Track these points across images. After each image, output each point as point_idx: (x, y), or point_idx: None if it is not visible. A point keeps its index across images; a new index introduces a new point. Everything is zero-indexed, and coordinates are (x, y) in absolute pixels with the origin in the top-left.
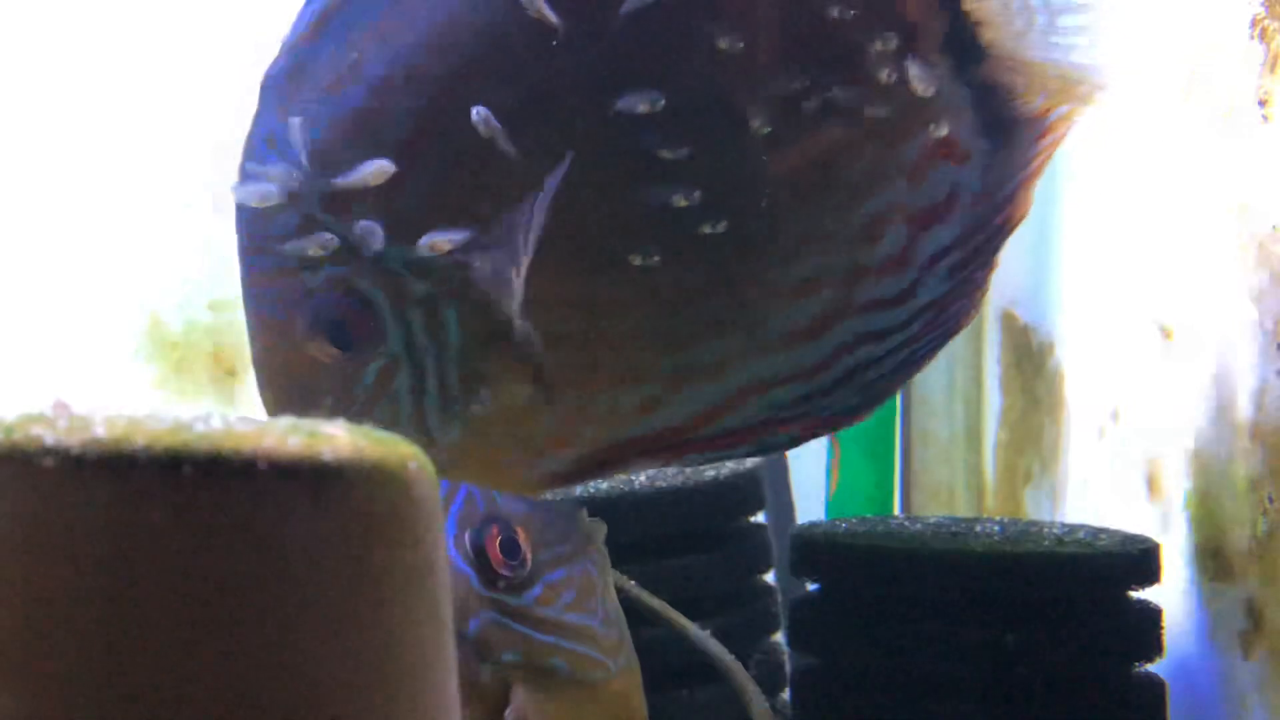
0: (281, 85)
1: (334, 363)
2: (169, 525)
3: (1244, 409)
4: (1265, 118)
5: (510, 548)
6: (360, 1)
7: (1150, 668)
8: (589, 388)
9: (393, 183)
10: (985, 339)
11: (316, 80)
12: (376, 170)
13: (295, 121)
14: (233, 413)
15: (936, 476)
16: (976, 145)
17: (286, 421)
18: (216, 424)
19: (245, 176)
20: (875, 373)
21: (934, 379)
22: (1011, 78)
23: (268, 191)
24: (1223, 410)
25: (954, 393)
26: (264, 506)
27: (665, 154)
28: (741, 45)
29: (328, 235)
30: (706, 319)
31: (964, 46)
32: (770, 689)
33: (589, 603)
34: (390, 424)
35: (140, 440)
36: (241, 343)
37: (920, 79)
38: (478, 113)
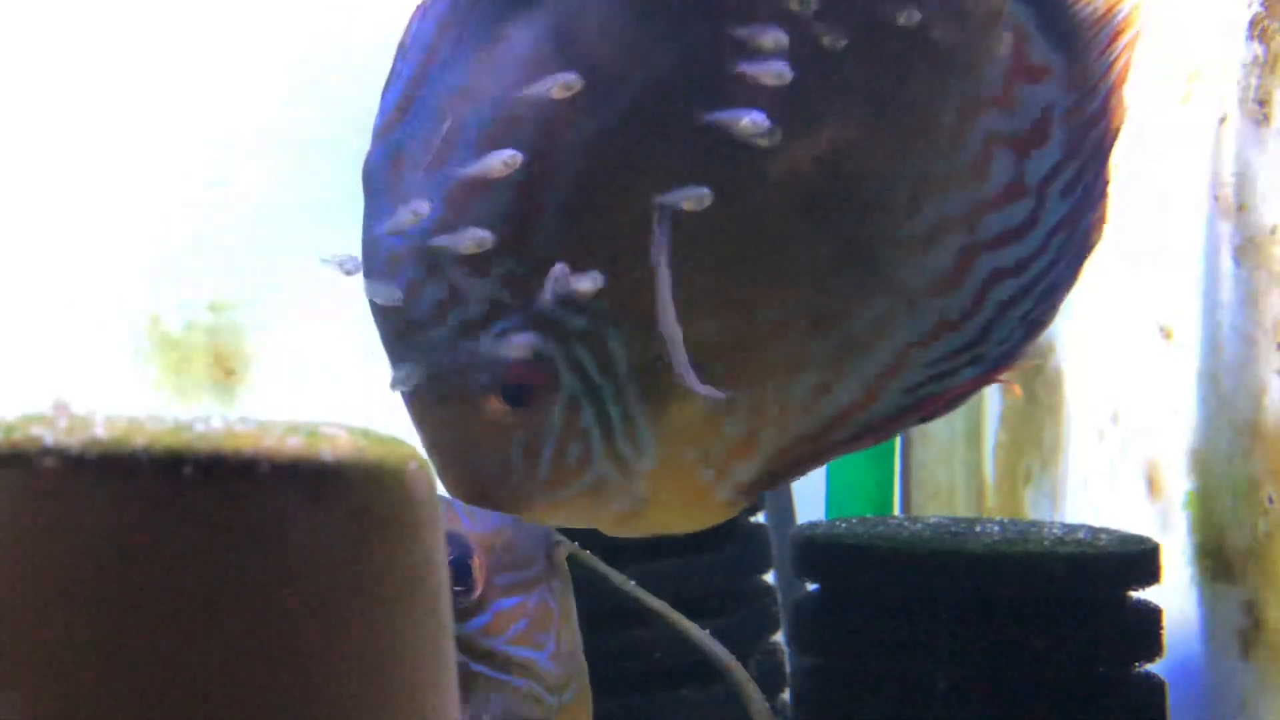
0: (385, 173)
1: (519, 421)
2: (169, 525)
3: (1244, 409)
4: (1265, 118)
5: (458, 571)
6: (440, 71)
7: (1150, 668)
8: (758, 388)
9: (524, 231)
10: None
11: (416, 160)
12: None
13: (411, 205)
14: (233, 413)
15: (936, 476)
16: (1052, 61)
17: (286, 421)
18: (216, 424)
19: (378, 273)
20: (1024, 306)
21: None
22: None
23: (393, 293)
24: (1223, 410)
25: None
26: (264, 506)
27: (771, 137)
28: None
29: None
30: (850, 289)
31: None
32: (770, 689)
33: (540, 635)
34: (586, 463)
35: (140, 440)
36: (242, 343)
37: None
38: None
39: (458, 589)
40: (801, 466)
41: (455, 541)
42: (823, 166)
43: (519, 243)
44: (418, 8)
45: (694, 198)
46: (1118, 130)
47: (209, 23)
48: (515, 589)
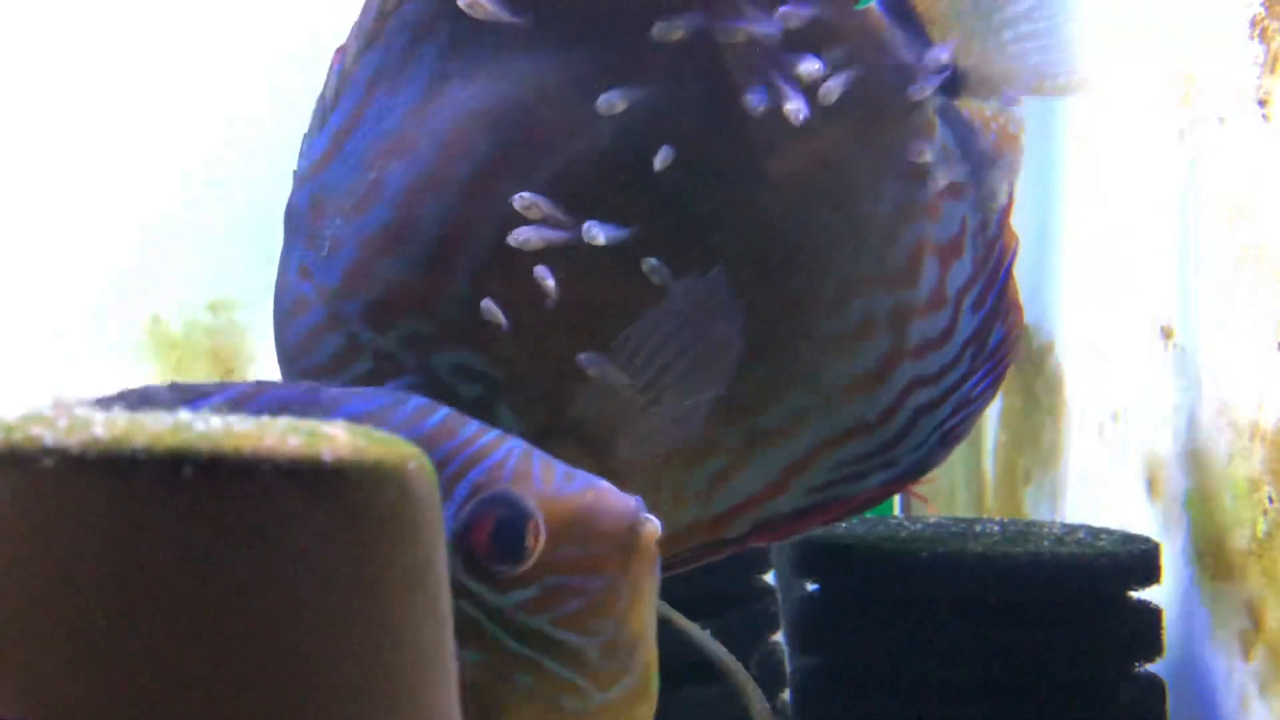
0: (304, 216)
1: None
2: (169, 525)
3: (1244, 409)
4: (1265, 118)
5: (507, 539)
6: (371, 121)
7: (1150, 668)
8: (656, 468)
9: (432, 290)
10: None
11: (338, 204)
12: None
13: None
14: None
15: (936, 476)
16: (966, 180)
17: (286, 421)
18: (216, 424)
19: (282, 313)
20: (939, 415)
21: None
22: (972, 117)
23: (310, 324)
24: (1223, 410)
25: None
26: (264, 506)
27: (693, 216)
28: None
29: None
30: (765, 380)
31: (950, 87)
32: (770, 689)
33: (596, 621)
34: None
35: (140, 440)
36: (242, 343)
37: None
38: (522, 199)
39: (501, 557)
40: (698, 557)
41: (508, 502)
42: (746, 255)
43: (426, 303)
44: (336, 52)
45: (668, 158)
46: (1012, 254)
47: (211, 23)
48: (578, 565)
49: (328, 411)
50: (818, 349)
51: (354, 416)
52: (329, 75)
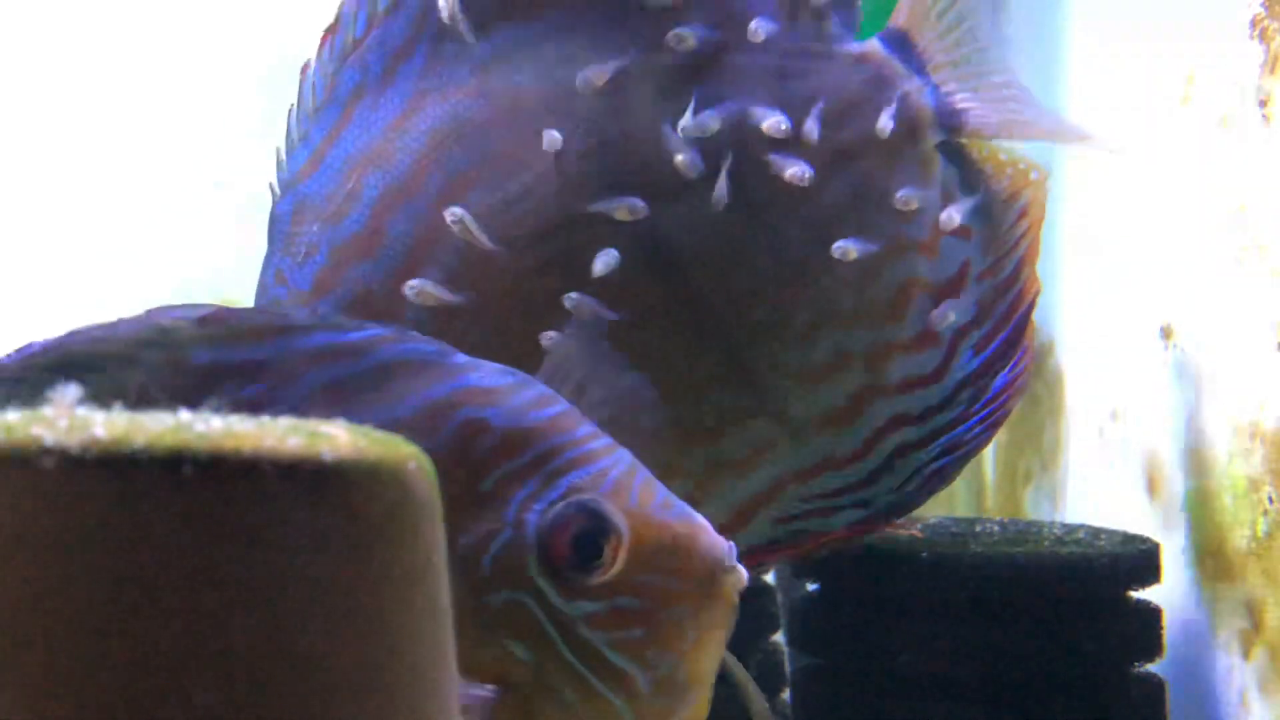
0: (285, 222)
1: None
2: (169, 525)
3: (1244, 409)
4: (1265, 118)
5: (586, 548)
6: (351, 132)
7: (1150, 668)
8: None
9: (399, 295)
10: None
11: (316, 213)
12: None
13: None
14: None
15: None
16: (972, 222)
17: (286, 421)
18: (216, 424)
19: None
20: (922, 458)
21: None
22: (982, 159)
23: None
24: (1223, 410)
25: None
26: (264, 506)
27: (658, 238)
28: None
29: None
30: (728, 408)
31: (949, 125)
32: (770, 689)
33: (656, 654)
34: None
35: (140, 440)
36: None
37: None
38: (452, 214)
39: (578, 563)
40: None
41: (597, 512)
42: (712, 281)
43: (392, 307)
44: (304, 66)
45: (629, 209)
46: (1031, 301)
47: (213, 23)
48: (652, 593)
49: (450, 374)
50: (785, 380)
51: (473, 387)
52: (301, 88)
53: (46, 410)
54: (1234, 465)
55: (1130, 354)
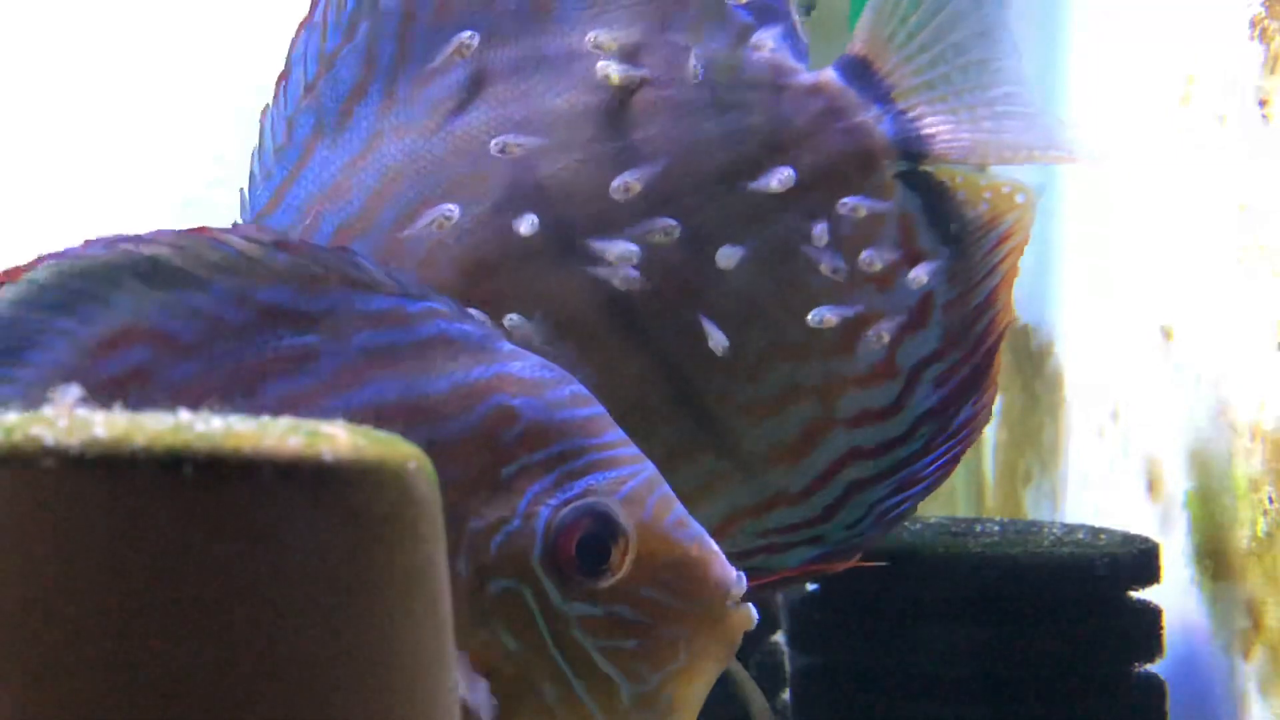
0: None
1: None
2: (169, 525)
3: (1244, 409)
4: (1265, 118)
5: (592, 552)
6: (310, 171)
7: (1150, 668)
8: None
9: None
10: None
11: None
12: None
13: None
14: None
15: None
16: (939, 252)
17: (286, 421)
18: (216, 424)
19: None
20: (879, 492)
21: None
22: (955, 186)
23: None
24: (1223, 410)
25: None
26: (264, 506)
27: (608, 268)
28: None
29: None
30: (677, 442)
31: (910, 152)
32: (770, 689)
33: (644, 667)
34: None
35: (140, 440)
36: None
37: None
38: (446, 210)
39: (581, 565)
40: None
41: (609, 518)
42: (661, 316)
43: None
44: (263, 113)
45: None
46: (1001, 330)
47: (214, 23)
48: (651, 608)
49: (493, 359)
50: (735, 413)
51: (512, 375)
52: (261, 130)
53: (46, 410)
54: (1234, 465)
55: (1130, 354)
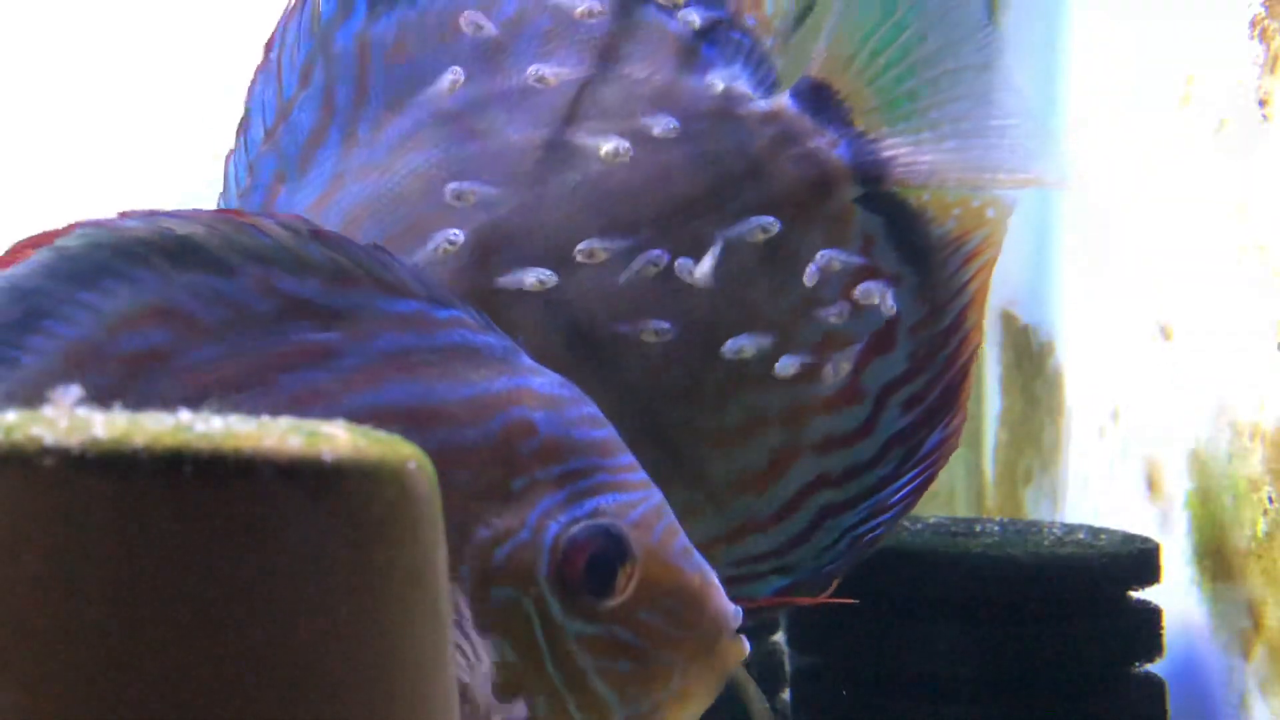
0: None
1: None
2: (169, 525)
3: (1244, 409)
4: (1265, 118)
5: (600, 573)
6: (287, 200)
7: (1150, 668)
8: None
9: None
10: (985, 339)
11: None
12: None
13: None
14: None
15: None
16: (903, 272)
17: (286, 421)
18: (216, 424)
19: None
20: (850, 519)
21: None
22: (921, 203)
23: None
24: (1223, 410)
25: None
26: (264, 506)
27: (566, 307)
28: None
29: None
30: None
31: (869, 176)
32: (770, 689)
33: (636, 691)
34: None
35: (140, 440)
36: None
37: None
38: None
39: (588, 585)
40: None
41: (619, 540)
42: (624, 348)
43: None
44: (226, 159)
45: (539, 279)
46: (971, 351)
47: (215, 22)
48: (650, 633)
49: (514, 372)
50: (700, 443)
51: (532, 390)
52: (225, 174)
53: (46, 410)
54: (1234, 465)
55: (1130, 354)
